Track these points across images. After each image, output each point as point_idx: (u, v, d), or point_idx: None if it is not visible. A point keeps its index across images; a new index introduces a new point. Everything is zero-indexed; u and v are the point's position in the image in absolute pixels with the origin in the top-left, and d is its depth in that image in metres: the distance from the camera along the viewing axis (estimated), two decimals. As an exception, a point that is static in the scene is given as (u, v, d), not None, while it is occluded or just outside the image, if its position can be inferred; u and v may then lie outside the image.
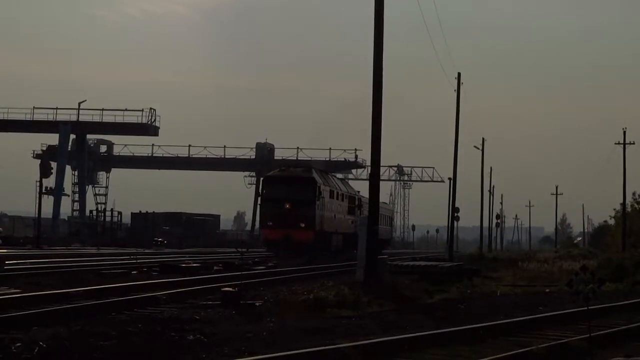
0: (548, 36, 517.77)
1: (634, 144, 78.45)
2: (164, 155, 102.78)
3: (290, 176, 58.53)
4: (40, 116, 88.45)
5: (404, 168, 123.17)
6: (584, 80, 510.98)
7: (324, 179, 61.04)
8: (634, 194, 75.62)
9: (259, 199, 58.90)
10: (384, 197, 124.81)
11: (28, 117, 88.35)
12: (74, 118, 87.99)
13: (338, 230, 63.87)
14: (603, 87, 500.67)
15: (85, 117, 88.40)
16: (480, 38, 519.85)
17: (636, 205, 73.84)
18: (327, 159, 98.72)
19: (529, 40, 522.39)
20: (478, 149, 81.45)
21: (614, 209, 79.31)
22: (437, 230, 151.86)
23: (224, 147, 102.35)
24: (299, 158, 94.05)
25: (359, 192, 77.56)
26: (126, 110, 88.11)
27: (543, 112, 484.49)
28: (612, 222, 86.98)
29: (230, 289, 21.11)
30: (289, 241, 55.03)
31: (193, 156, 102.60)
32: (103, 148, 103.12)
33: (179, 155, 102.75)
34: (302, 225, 55.85)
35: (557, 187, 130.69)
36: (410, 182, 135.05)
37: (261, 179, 61.66)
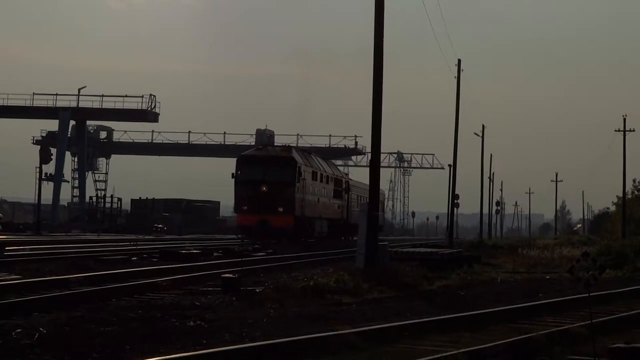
0: (547, 24, 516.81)
1: (634, 131, 78.39)
2: (164, 141, 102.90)
3: (267, 155, 53.74)
4: (40, 102, 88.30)
5: (404, 155, 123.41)
6: (584, 67, 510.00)
7: (305, 159, 56.43)
8: (634, 181, 75.67)
9: (233, 181, 52.95)
10: (383, 183, 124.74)
11: (28, 103, 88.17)
12: (73, 104, 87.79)
13: (322, 215, 59.51)
14: (603, 73, 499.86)
15: (85, 103, 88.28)
16: (481, 25, 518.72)
17: (636, 192, 73.79)
18: (327, 146, 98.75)
19: (530, 27, 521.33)
20: (478, 135, 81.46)
21: (617, 196, 79.23)
22: (437, 217, 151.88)
23: (224, 133, 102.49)
24: (299, 144, 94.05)
25: (347, 174, 76.23)
26: (126, 96, 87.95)
27: (544, 99, 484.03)
28: (613, 208, 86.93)
29: (231, 276, 21.12)
30: (265, 227, 50.48)
31: (193, 143, 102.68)
32: (103, 134, 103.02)
33: (179, 141, 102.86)
34: (280, 209, 51.33)
35: (557, 174, 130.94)
36: (410, 169, 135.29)
37: (236, 158, 55.91)
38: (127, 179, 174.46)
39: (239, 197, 52.78)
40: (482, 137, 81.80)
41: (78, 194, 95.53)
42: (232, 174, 52.91)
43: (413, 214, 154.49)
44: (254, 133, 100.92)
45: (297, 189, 52.52)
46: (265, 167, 52.26)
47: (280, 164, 52.57)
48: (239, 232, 53.95)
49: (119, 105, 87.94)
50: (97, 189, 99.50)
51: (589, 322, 12.72)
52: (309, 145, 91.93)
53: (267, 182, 51.77)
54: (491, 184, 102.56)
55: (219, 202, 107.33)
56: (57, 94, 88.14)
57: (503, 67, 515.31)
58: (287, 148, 56.48)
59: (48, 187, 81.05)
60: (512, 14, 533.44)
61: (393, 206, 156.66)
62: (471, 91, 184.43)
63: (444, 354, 11.43)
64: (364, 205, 30.46)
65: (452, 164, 63.92)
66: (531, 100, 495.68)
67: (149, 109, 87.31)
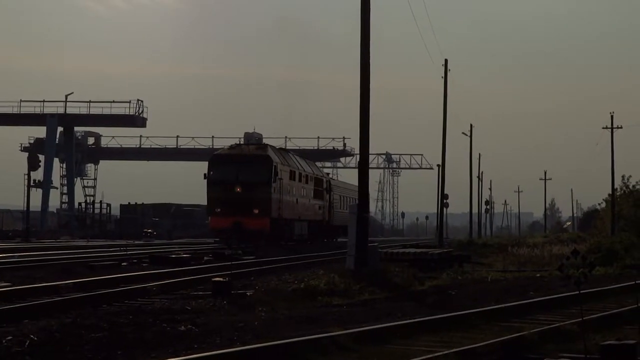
0: (535, 22, 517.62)
1: (621, 128, 78.67)
2: (152, 146, 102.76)
3: (241, 154, 50.59)
4: (27, 109, 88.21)
5: (393, 156, 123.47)
6: (572, 65, 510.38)
7: (282, 158, 53.56)
8: (623, 177, 75.38)
9: (206, 181, 49.85)
10: (372, 184, 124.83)
11: (15, 110, 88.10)
12: (61, 110, 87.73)
13: (301, 217, 56.61)
14: (591, 71, 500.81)
15: (72, 109, 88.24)
16: (469, 24, 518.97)
17: (626, 189, 73.58)
18: (316, 148, 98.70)
19: (517, 26, 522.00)
20: (466, 135, 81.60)
21: (608, 194, 79.10)
22: (427, 217, 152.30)
23: (212, 137, 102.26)
24: (287, 147, 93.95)
25: (328, 174, 74.80)
26: (113, 102, 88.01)
27: (532, 97, 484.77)
28: (603, 205, 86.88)
29: (221, 279, 21.10)
30: (240, 230, 47.53)
31: (181, 147, 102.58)
32: (91, 140, 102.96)
33: (167, 146, 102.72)
34: (256, 211, 48.11)
35: (545, 173, 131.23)
36: (399, 170, 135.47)
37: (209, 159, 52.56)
38: (115, 185, 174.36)
39: (211, 199, 49.77)
40: (470, 136, 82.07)
41: (67, 200, 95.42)
42: (205, 174, 50.25)
43: (403, 214, 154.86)
44: (242, 137, 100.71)
45: (273, 189, 49.51)
46: (239, 166, 49.40)
47: (254, 162, 49.70)
48: (212, 235, 51.52)
49: (106, 111, 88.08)
50: (85, 195, 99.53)
51: (580, 319, 12.73)
52: (298, 148, 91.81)
53: (241, 182, 48.92)
54: (480, 183, 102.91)
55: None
56: (44, 101, 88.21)
57: (491, 66, 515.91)
58: (263, 146, 53.14)
59: (37, 194, 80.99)
60: (500, 13, 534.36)
61: (383, 207, 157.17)
62: (459, 91, 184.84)
63: (436, 354, 11.42)
64: (354, 206, 30.36)
65: (440, 164, 64.03)
66: (519, 99, 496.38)
67: (137, 114, 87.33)
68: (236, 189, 48.52)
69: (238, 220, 47.46)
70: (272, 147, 53.92)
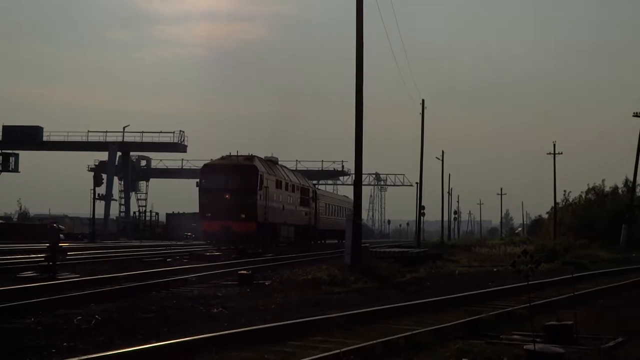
0: (495, 65, 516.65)
1: (562, 154, 78.62)
2: (192, 167, 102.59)
3: (230, 164, 45.61)
4: (93, 138, 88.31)
5: (381, 175, 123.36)
6: (521, 102, 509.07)
7: (268, 168, 48.71)
8: (564, 192, 75.41)
9: (198, 189, 45.44)
10: (364, 199, 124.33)
11: (84, 139, 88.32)
12: (119, 139, 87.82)
13: (288, 221, 51.52)
14: (537, 107, 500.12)
15: (128, 138, 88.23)
16: (442, 66, 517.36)
17: (566, 202, 73.60)
18: (320, 169, 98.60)
19: (481, 68, 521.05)
20: (439, 159, 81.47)
21: (551, 207, 79.02)
22: (408, 224, 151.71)
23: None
24: (297, 168, 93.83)
25: (315, 184, 71.19)
26: (161, 132, 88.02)
27: (491, 128, 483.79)
28: (547, 215, 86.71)
29: (245, 272, 21.13)
30: (228, 233, 43.43)
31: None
32: (143, 162, 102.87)
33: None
34: (243, 216, 43.63)
35: (501, 189, 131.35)
36: (386, 186, 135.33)
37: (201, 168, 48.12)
38: (162, 198, 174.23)
39: (203, 205, 44.87)
40: (442, 160, 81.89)
41: (124, 210, 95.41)
42: (197, 182, 45.70)
43: (389, 221, 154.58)
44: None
45: (259, 196, 44.84)
46: (228, 175, 44.60)
47: (242, 172, 44.87)
48: (204, 238, 47.95)
49: (155, 139, 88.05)
50: (139, 206, 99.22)
51: (528, 304, 12.74)
52: (305, 169, 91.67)
53: (229, 189, 44.22)
54: (450, 197, 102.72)
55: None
56: (107, 131, 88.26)
57: (462, 98, 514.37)
58: (250, 157, 47.17)
59: (100, 205, 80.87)
60: (466, 56, 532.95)
61: (373, 216, 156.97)
62: (434, 121, 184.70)
63: (414, 332, 11.45)
64: (350, 215, 30.28)
65: (419, 182, 64.03)
66: (482, 128, 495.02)
67: (179, 142, 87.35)
68: (225, 196, 44.14)
69: (227, 224, 43.44)
70: (260, 159, 48.64)
